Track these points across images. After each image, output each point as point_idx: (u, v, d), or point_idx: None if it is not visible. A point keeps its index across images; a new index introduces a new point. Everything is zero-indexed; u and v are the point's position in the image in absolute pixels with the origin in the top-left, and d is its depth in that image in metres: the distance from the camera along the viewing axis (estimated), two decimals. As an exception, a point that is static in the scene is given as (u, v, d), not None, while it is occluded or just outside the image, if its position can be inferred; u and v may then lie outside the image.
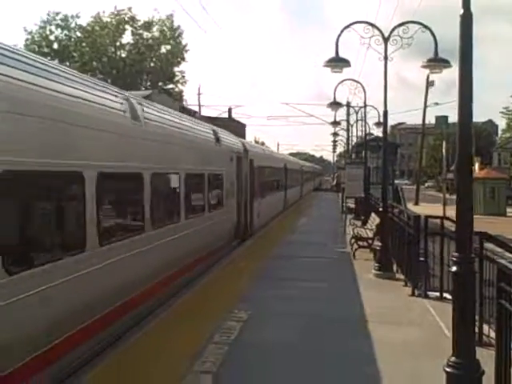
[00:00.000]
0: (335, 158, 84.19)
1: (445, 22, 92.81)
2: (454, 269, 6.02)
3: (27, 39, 46.59)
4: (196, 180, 13.26)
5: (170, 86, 50.11)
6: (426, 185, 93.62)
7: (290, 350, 7.90)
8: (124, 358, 7.35)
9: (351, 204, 29.23)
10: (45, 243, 6.68)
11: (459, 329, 5.90)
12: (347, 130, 42.85)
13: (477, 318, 7.13)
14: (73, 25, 47.51)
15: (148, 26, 48.61)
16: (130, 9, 48.08)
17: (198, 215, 13.30)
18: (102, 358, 7.30)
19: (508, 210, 45.92)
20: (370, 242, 16.19)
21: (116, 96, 8.70)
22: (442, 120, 77.66)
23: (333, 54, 13.62)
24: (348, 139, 43.62)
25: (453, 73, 12.68)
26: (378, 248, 14.00)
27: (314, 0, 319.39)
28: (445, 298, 10.47)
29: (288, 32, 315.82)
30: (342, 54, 13.63)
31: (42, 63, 6.88)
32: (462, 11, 6.07)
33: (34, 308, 5.96)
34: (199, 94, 53.42)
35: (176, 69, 49.97)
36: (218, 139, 16.13)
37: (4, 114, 5.58)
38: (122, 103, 8.69)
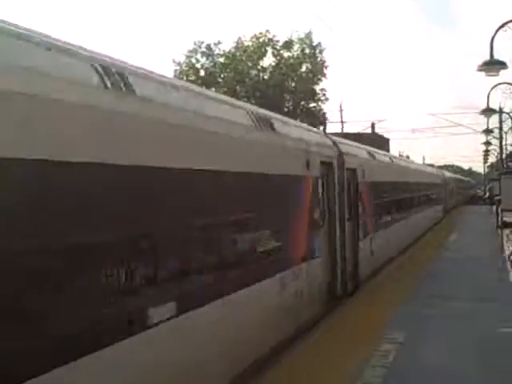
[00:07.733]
0: (486, 170, 79.94)
1: None
2: None
3: (176, 70, 48.81)
4: None
5: (312, 104, 50.31)
6: None
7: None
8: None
9: (508, 218, 27.43)
10: None
11: None
12: (500, 139, 40.45)
13: None
14: (216, 51, 49.27)
15: (288, 45, 49.29)
16: (267, 31, 49.05)
17: None
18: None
19: None
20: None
21: None
22: None
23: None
24: (501, 148, 41.15)
25: None
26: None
27: (454, 6, 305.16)
28: None
29: (426, 37, 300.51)
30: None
31: None
32: None
33: None
34: (341, 111, 53.15)
35: (317, 87, 50.09)
36: None
37: None
38: None
